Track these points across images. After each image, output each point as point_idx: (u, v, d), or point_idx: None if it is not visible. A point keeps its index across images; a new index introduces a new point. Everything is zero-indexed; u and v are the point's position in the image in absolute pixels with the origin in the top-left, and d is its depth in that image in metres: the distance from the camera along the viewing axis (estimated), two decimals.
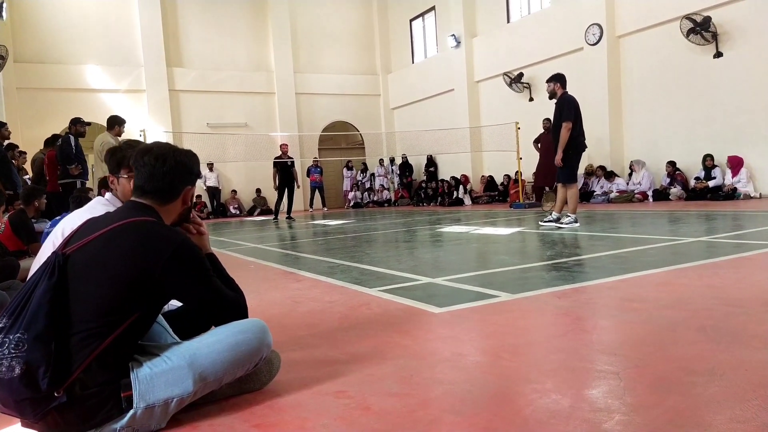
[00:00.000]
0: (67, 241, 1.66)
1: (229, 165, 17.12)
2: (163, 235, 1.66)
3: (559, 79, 6.91)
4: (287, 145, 13.58)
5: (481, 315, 2.79)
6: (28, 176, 9.40)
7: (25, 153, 9.82)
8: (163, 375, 1.59)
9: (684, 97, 10.94)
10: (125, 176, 2.29)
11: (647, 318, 2.49)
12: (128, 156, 2.23)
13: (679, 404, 1.55)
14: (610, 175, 11.93)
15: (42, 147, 9.20)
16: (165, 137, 14.31)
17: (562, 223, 6.84)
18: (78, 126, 8.22)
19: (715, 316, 2.45)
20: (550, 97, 6.99)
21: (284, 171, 12.89)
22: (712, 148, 10.40)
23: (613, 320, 2.53)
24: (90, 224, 1.71)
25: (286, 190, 12.96)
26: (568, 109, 6.68)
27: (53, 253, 1.60)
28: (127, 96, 16.21)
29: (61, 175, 8.00)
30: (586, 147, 7.02)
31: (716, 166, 10.32)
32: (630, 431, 1.41)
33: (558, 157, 6.82)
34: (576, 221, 6.82)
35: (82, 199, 4.09)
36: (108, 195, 2.40)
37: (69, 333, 1.50)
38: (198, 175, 1.88)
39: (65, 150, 7.90)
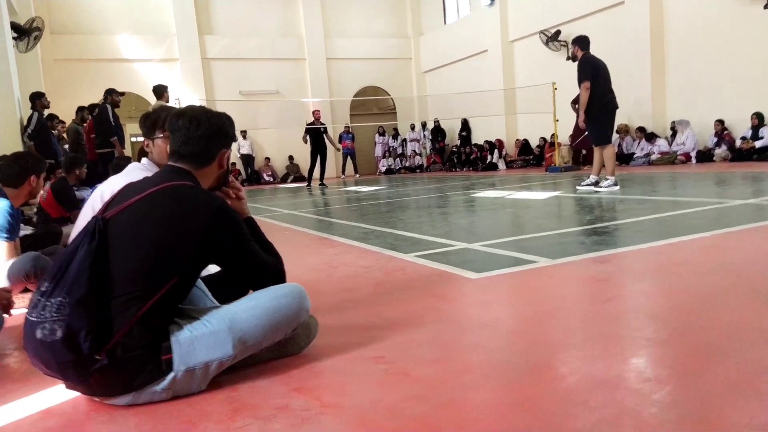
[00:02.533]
0: (107, 206, 1.66)
1: (262, 132, 17.18)
2: (201, 200, 1.65)
3: (578, 41, 6.81)
4: (319, 111, 13.51)
5: (520, 280, 2.73)
6: (67, 145, 9.61)
7: (64, 123, 10.02)
8: (204, 338, 1.60)
9: (730, 52, 10.37)
10: (161, 136, 2.29)
11: (694, 283, 2.39)
12: (162, 117, 2.22)
13: (732, 372, 1.48)
14: (651, 137, 11.50)
15: (74, 117, 9.37)
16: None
17: (600, 187, 6.66)
18: (114, 96, 8.35)
19: (764, 280, 2.34)
20: (573, 60, 6.85)
21: (316, 137, 12.84)
22: (761, 106, 9.89)
23: (658, 286, 2.44)
24: (129, 189, 1.71)
25: (319, 156, 12.94)
26: (584, 70, 6.58)
27: (93, 217, 1.61)
28: (161, 65, 16.32)
29: (99, 144, 8.15)
30: (617, 106, 6.80)
31: (765, 125, 9.83)
32: (683, 401, 1.35)
33: (580, 119, 6.77)
34: (615, 184, 6.62)
35: (123, 167, 4.14)
36: (144, 160, 2.41)
37: (110, 297, 1.52)
38: (233, 137, 1.85)
39: (104, 120, 8.05)
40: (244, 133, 16.79)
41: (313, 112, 13.28)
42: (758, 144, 9.77)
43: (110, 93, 8.34)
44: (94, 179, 6.72)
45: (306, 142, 12.93)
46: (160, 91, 8.14)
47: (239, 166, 17.16)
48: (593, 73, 6.54)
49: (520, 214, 5.43)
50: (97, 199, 2.25)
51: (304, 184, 14.17)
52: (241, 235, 1.70)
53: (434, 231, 4.55)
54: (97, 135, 8.24)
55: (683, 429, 1.22)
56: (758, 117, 9.84)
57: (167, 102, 7.87)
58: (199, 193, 1.68)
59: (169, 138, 1.92)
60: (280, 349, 1.83)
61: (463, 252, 3.57)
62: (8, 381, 1.87)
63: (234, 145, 16.07)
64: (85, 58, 15.27)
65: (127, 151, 10.20)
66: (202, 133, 1.73)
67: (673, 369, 1.55)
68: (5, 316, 2.23)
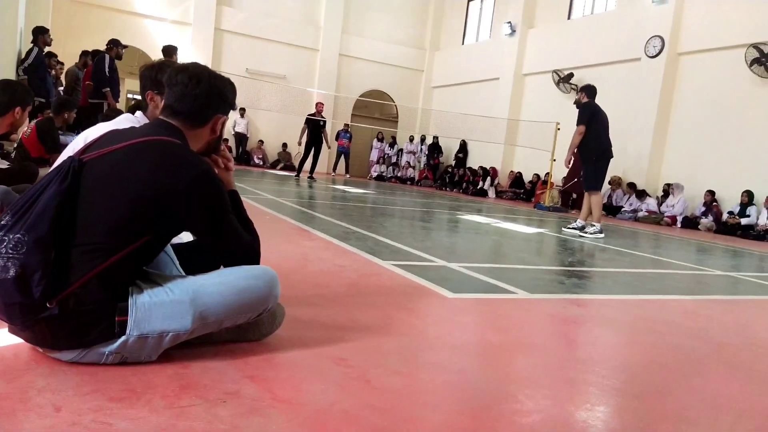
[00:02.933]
0: (86, 148, 1.56)
1: (260, 114, 17.00)
2: (187, 160, 1.55)
3: (586, 89, 6.94)
4: (323, 104, 13.41)
5: (495, 308, 2.68)
6: (62, 87, 9.38)
7: (63, 64, 9.79)
8: (163, 306, 1.50)
9: (734, 127, 10.54)
10: None
11: (671, 344, 2.35)
12: None
13: None
14: (641, 194, 11.61)
15: (77, 60, 9.15)
16: None
17: (585, 232, 6.67)
18: (118, 48, 8.18)
19: (743, 355, 2.31)
20: (577, 106, 6.94)
21: (315, 130, 12.75)
22: (753, 185, 10.05)
23: (635, 340, 2.40)
24: (112, 135, 1.61)
25: (313, 149, 12.85)
26: (582, 114, 6.69)
27: (69, 157, 1.51)
28: (173, 26, 16.08)
29: (92, 94, 7.97)
30: (612, 155, 6.87)
31: (753, 204, 9.98)
32: None
33: (566, 158, 6.96)
34: (600, 231, 6.64)
35: (112, 119, 4.01)
36: (138, 113, 2.30)
37: (72, 244, 1.42)
38: (232, 105, 1.75)
39: (99, 70, 7.87)
40: (242, 111, 16.61)
41: (317, 104, 13.18)
42: (744, 221, 9.90)
43: (114, 44, 8.16)
44: (81, 126, 6.55)
45: (300, 144, 12.87)
46: (169, 51, 7.98)
47: (231, 143, 16.96)
48: (591, 120, 6.64)
49: (503, 244, 5.39)
50: (79, 142, 2.13)
51: (293, 173, 14.04)
52: (222, 204, 1.61)
53: (415, 243, 4.48)
54: (93, 83, 8.05)
55: None
56: (748, 195, 9.98)
57: None
58: (187, 152, 1.59)
59: None
60: (241, 333, 1.74)
61: (441, 269, 3.50)
62: None
63: (229, 121, 15.77)
64: (97, 4, 14.98)
65: (121, 105, 9.99)
66: (200, 92, 1.64)
67: (641, 425, 1.49)
68: None
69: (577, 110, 6.86)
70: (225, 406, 1.33)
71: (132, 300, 1.48)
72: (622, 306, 3.02)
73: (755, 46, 9.96)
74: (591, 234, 6.59)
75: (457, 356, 1.91)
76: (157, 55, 8.91)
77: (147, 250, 1.54)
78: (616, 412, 1.59)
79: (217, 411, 1.30)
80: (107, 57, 7.95)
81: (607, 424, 1.50)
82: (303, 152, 12.99)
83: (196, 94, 1.63)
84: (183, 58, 14.25)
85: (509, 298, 2.88)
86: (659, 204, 11.40)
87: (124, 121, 2.21)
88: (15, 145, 5.40)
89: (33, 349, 1.52)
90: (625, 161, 11.67)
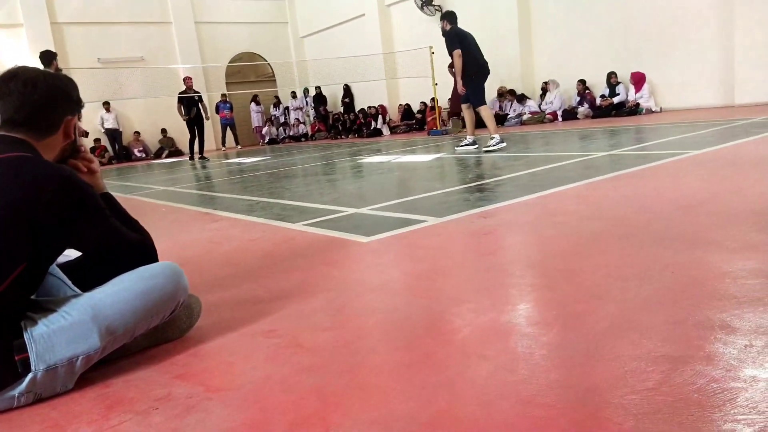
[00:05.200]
0: None
1: (128, 104, 15.83)
2: (43, 171, 1.41)
3: (447, 16, 7.14)
4: (191, 78, 12.68)
5: (410, 240, 2.73)
6: None
7: None
8: (63, 332, 1.40)
9: (591, 15, 11.08)
10: None
11: (572, 230, 2.52)
12: None
13: (613, 310, 1.56)
14: (521, 98, 12.12)
15: None
16: None
17: (489, 147, 6.79)
18: None
19: (635, 223, 2.52)
20: (443, 35, 7.12)
21: (191, 106, 12.10)
22: (616, 66, 10.74)
23: (539, 235, 2.54)
24: None
25: (195, 128, 12.24)
26: (451, 41, 6.90)
27: None
28: (3, 31, 14.38)
29: None
30: (488, 71, 7.12)
31: (620, 82, 10.70)
32: (570, 341, 1.40)
33: (459, 86, 7.06)
34: (502, 141, 6.81)
35: None
36: None
37: None
38: (78, 102, 1.60)
39: None
40: (107, 106, 15.39)
41: (185, 80, 12.45)
42: (615, 100, 10.63)
43: None
44: None
45: (184, 116, 12.17)
46: (48, 57, 6.86)
47: (105, 142, 15.76)
48: (462, 43, 6.82)
49: (406, 177, 5.48)
50: None
51: (180, 158, 13.36)
52: (96, 208, 1.49)
53: (322, 198, 4.45)
54: None
55: (572, 366, 1.26)
56: (615, 75, 10.68)
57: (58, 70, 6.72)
58: (41, 163, 1.44)
59: None
60: (158, 335, 1.67)
61: (352, 217, 3.51)
62: None
63: (96, 119, 14.53)
64: None
65: None
66: (39, 96, 1.47)
67: (559, 312, 1.60)
68: None
69: (445, 39, 6.99)
70: (158, 412, 1.28)
71: (27, 334, 1.37)
72: (524, 207, 3.19)
73: None
74: (495, 147, 6.74)
75: (382, 296, 1.95)
76: None
77: (28, 279, 1.41)
78: (534, 307, 1.69)
79: (151, 420, 1.25)
80: None
81: (529, 320, 1.59)
82: (188, 133, 12.35)
83: (36, 99, 1.47)
84: (23, 62, 12.85)
85: (421, 228, 2.95)
86: (539, 104, 11.98)
87: None
88: None
89: None
90: (499, 71, 12.04)
